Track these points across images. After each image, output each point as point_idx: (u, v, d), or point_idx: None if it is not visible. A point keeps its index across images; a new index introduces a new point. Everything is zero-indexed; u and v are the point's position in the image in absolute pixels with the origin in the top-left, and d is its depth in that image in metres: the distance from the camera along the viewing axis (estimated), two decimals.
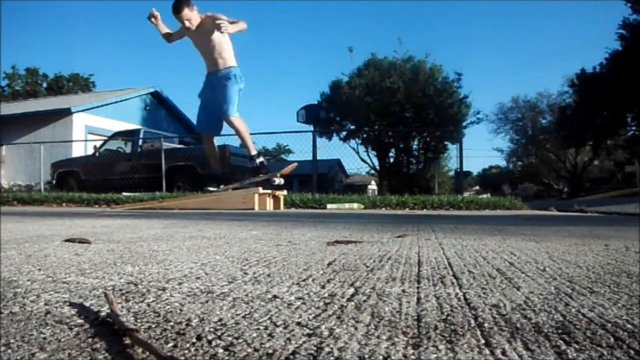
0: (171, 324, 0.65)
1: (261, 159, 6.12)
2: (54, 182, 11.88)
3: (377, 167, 29.12)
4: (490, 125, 45.93)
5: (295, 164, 6.99)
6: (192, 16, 5.59)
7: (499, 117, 43.60)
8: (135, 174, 10.64)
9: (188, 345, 0.56)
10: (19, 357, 0.52)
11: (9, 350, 0.54)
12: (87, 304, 0.76)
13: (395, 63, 27.50)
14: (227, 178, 10.25)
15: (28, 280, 0.97)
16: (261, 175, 6.10)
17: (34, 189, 12.76)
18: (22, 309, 0.73)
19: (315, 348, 0.54)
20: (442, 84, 27.07)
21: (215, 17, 5.48)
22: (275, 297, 0.81)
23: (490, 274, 1.05)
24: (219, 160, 6.37)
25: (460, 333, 0.60)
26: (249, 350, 0.54)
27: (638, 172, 26.78)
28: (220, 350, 0.54)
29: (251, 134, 6.32)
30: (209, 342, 0.57)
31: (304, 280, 0.96)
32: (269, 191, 7.02)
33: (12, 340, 0.57)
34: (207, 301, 0.78)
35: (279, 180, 6.24)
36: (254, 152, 6.09)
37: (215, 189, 6.55)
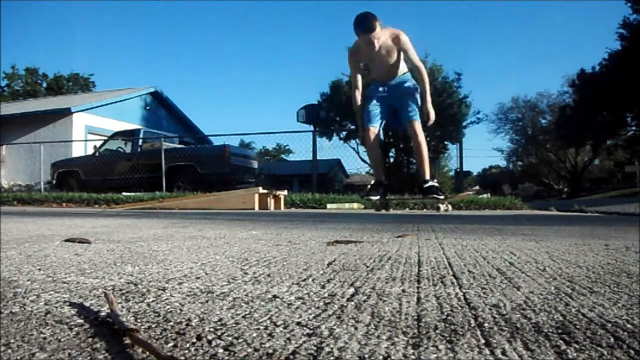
0: (171, 323, 0.65)
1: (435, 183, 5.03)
2: (54, 182, 11.89)
3: None
4: (490, 125, 46.05)
5: (471, 193, 6.08)
6: (381, 34, 4.61)
7: (499, 117, 43.68)
8: (135, 174, 10.65)
9: (188, 345, 0.56)
10: (19, 357, 0.52)
11: (9, 350, 0.54)
12: (87, 304, 0.76)
13: None
14: (227, 178, 10.28)
15: (28, 280, 0.97)
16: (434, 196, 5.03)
17: (34, 189, 12.76)
18: (22, 309, 0.73)
19: (315, 348, 0.54)
20: (442, 84, 27.07)
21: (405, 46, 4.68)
22: (275, 297, 0.81)
23: (490, 273, 1.05)
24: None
25: (460, 333, 0.60)
26: (249, 350, 0.54)
27: (638, 172, 26.79)
28: (220, 350, 0.54)
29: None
30: (209, 342, 0.57)
31: (304, 280, 0.96)
32: (269, 191, 7.03)
33: (12, 340, 0.57)
34: (207, 301, 0.78)
35: (445, 207, 5.43)
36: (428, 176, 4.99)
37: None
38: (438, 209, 5.29)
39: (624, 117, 31.19)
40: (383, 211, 5.49)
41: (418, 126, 4.78)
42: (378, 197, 5.26)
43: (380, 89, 4.96)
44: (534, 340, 0.58)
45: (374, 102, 4.96)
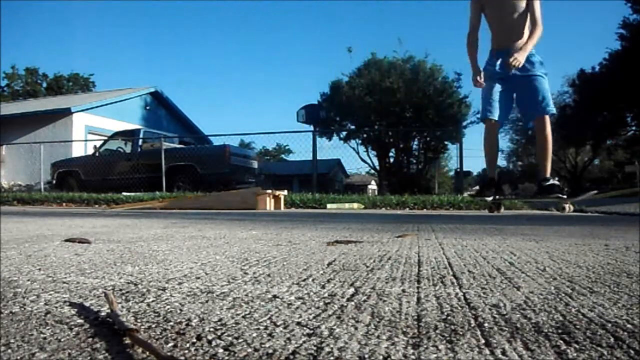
0: (171, 324, 0.65)
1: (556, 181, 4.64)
2: (54, 182, 11.89)
3: (377, 167, 29.11)
4: None
5: (593, 193, 5.24)
6: None
7: None
8: (135, 174, 10.65)
9: (188, 345, 0.56)
10: (19, 357, 0.52)
11: (9, 350, 0.54)
12: (87, 304, 0.76)
13: (395, 63, 27.49)
14: (227, 178, 10.28)
15: (28, 280, 0.97)
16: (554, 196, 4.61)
17: (34, 189, 12.75)
18: (22, 309, 0.73)
19: (315, 348, 0.54)
20: (442, 84, 27.08)
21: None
22: (275, 297, 0.81)
23: (490, 273, 1.05)
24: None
25: (460, 333, 0.60)
26: (249, 350, 0.54)
27: (638, 172, 26.79)
28: (220, 350, 0.54)
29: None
30: (209, 342, 0.57)
31: (304, 280, 0.96)
32: (269, 191, 7.03)
33: (12, 340, 0.57)
34: (207, 301, 0.78)
35: (569, 208, 4.72)
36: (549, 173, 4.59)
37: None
38: (562, 209, 4.69)
39: (624, 117, 31.21)
40: (495, 212, 5.08)
41: (548, 120, 4.31)
42: (492, 197, 4.82)
43: (501, 62, 4.29)
44: (534, 340, 0.58)
45: (497, 87, 4.34)
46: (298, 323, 0.65)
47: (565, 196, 4.54)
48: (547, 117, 4.33)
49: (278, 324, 0.64)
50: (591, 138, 33.05)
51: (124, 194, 8.78)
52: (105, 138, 12.66)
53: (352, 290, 0.87)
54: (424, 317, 0.68)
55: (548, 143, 4.36)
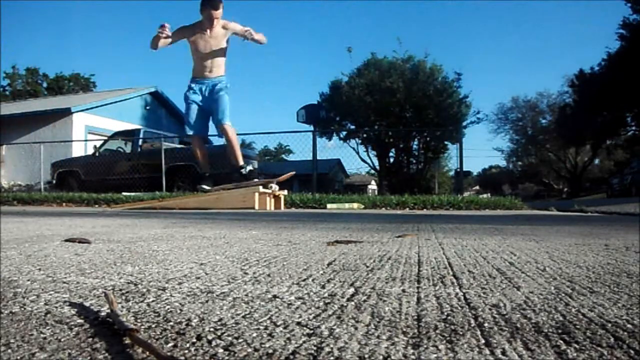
0: (171, 324, 0.65)
1: (250, 167, 6.21)
2: (54, 182, 11.88)
3: (377, 167, 29.10)
4: (490, 125, 46.12)
5: (293, 172, 7.13)
6: (220, 16, 5.66)
7: (499, 117, 43.74)
8: (135, 174, 10.63)
9: (188, 345, 0.56)
10: (19, 357, 0.52)
11: (9, 350, 0.54)
12: (87, 304, 0.76)
13: (395, 63, 27.46)
14: (226, 177, 10.27)
15: (28, 280, 0.97)
16: (256, 180, 6.15)
17: (34, 189, 12.75)
18: (22, 309, 0.73)
19: (315, 348, 0.54)
20: (442, 84, 27.04)
21: (233, 26, 5.75)
22: (275, 297, 0.81)
23: (490, 273, 1.05)
24: (208, 160, 6.62)
25: (460, 333, 0.60)
26: (249, 350, 0.54)
27: None
28: (220, 350, 0.54)
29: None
30: (209, 342, 0.57)
31: (304, 280, 0.96)
32: (269, 191, 7.03)
33: (12, 340, 0.57)
34: (207, 301, 0.78)
35: (275, 187, 6.38)
36: (242, 162, 6.26)
37: (209, 188, 6.68)
38: (271, 187, 6.25)
39: (623, 117, 31.21)
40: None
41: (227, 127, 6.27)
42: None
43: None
44: (534, 340, 0.58)
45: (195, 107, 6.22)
46: (298, 323, 0.65)
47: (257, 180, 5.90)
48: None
49: (278, 324, 0.64)
50: (591, 138, 33.05)
51: (124, 194, 8.77)
52: (105, 138, 12.65)
53: (352, 290, 0.87)
54: (424, 317, 0.68)
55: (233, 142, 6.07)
